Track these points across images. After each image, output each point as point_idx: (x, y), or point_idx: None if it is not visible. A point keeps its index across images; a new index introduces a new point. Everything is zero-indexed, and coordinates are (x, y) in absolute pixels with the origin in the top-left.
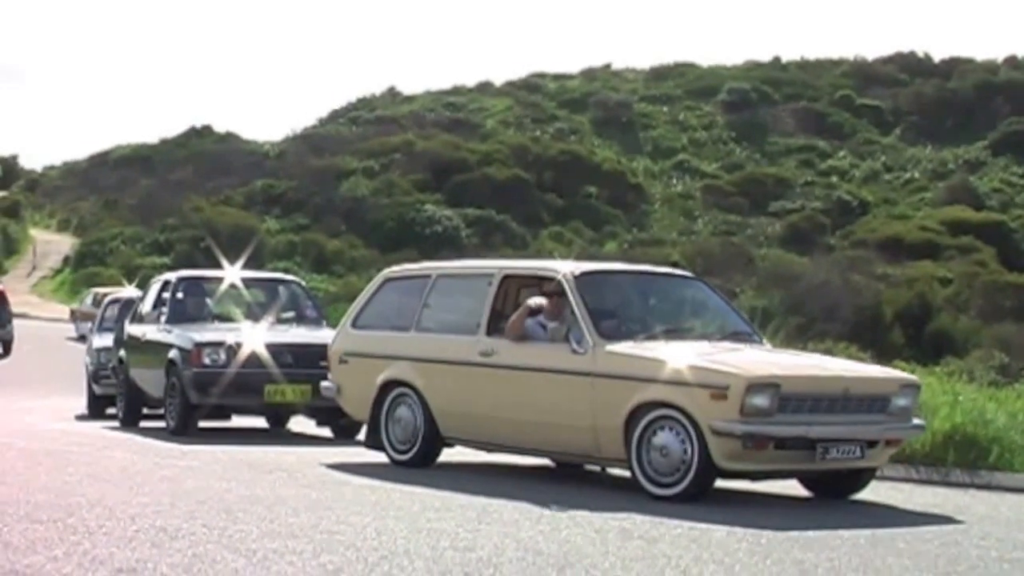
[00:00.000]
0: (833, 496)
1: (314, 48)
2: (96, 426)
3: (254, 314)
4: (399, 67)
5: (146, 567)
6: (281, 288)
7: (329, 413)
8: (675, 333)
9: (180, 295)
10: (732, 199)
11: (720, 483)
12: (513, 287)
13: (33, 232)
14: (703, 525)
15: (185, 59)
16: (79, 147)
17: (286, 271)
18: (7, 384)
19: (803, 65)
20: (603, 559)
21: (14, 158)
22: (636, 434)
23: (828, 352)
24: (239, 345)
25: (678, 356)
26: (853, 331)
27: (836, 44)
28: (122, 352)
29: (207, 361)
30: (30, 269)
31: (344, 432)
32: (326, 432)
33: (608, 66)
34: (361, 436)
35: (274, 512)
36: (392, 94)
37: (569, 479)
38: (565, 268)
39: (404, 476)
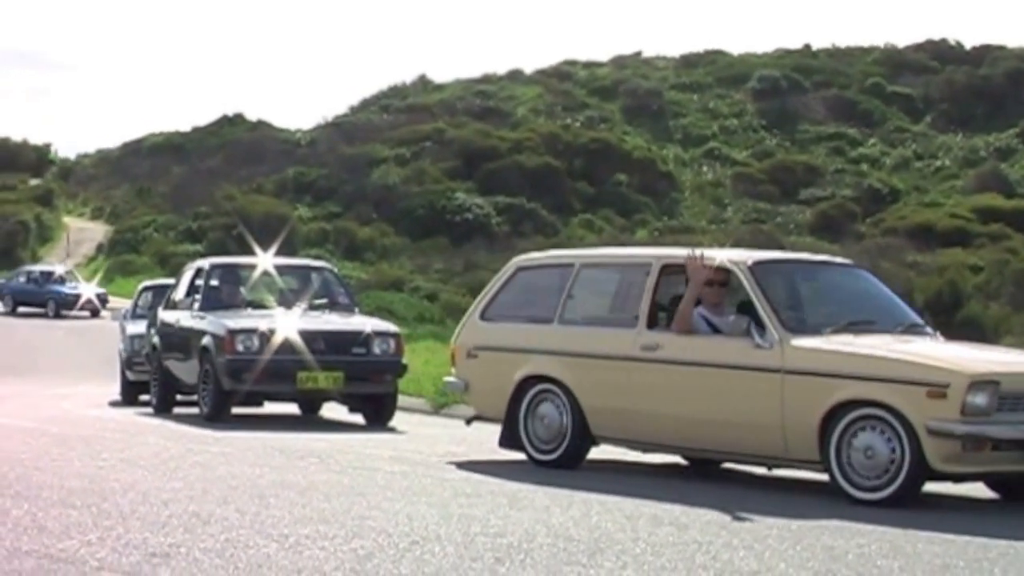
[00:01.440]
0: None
1: (345, 36)
2: (129, 412)
3: (287, 301)
4: (430, 55)
5: (179, 552)
6: (313, 275)
7: (361, 400)
8: (859, 326)
9: (214, 282)
10: (762, 187)
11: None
12: (667, 276)
13: (67, 220)
14: (734, 511)
15: (217, 48)
16: (112, 135)
17: (318, 258)
18: (41, 371)
19: (833, 52)
20: (633, 545)
21: (47, 146)
22: (835, 435)
23: None
24: (272, 332)
25: (881, 351)
26: None
27: (867, 31)
28: (155, 339)
29: (240, 348)
30: (64, 257)
31: (377, 418)
32: (358, 419)
33: (639, 54)
34: (393, 423)
35: (306, 498)
36: (423, 82)
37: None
38: (736, 257)
39: (435, 463)
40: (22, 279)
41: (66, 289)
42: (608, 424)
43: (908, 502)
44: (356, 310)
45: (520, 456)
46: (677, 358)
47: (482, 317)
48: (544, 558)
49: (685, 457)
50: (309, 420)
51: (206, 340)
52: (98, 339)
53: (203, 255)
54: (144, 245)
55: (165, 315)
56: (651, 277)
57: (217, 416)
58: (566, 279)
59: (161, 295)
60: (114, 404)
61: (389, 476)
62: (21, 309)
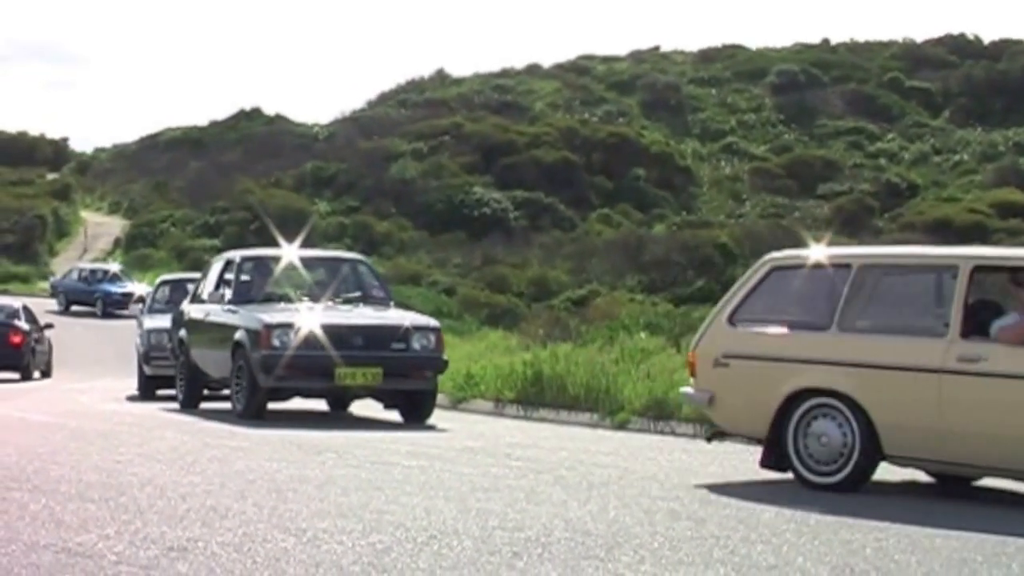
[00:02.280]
0: None
1: (363, 30)
2: (149, 407)
3: (319, 294)
4: (448, 49)
5: (196, 546)
6: (346, 267)
7: (399, 396)
8: None
9: (245, 275)
10: (780, 181)
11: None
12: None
13: (84, 214)
14: (751, 506)
15: (235, 42)
16: (129, 129)
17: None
18: (59, 365)
19: (852, 47)
20: (651, 539)
21: (65, 141)
22: None
23: None
24: (308, 326)
25: None
26: None
27: (885, 26)
28: (182, 333)
29: (276, 343)
30: (81, 251)
31: (414, 416)
32: (394, 416)
33: (657, 48)
34: (433, 420)
35: (324, 492)
36: (441, 76)
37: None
38: None
39: (453, 457)
40: (74, 276)
41: (115, 288)
42: (909, 443)
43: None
44: (391, 303)
45: (536, 451)
46: (1007, 371)
47: (730, 321)
48: (562, 552)
49: (931, 474)
50: (339, 417)
51: (239, 335)
52: (116, 335)
53: (220, 250)
54: (161, 240)
55: (192, 309)
56: (961, 280)
57: (252, 412)
58: (842, 281)
59: (180, 289)
60: (132, 399)
61: (407, 471)
62: (74, 308)
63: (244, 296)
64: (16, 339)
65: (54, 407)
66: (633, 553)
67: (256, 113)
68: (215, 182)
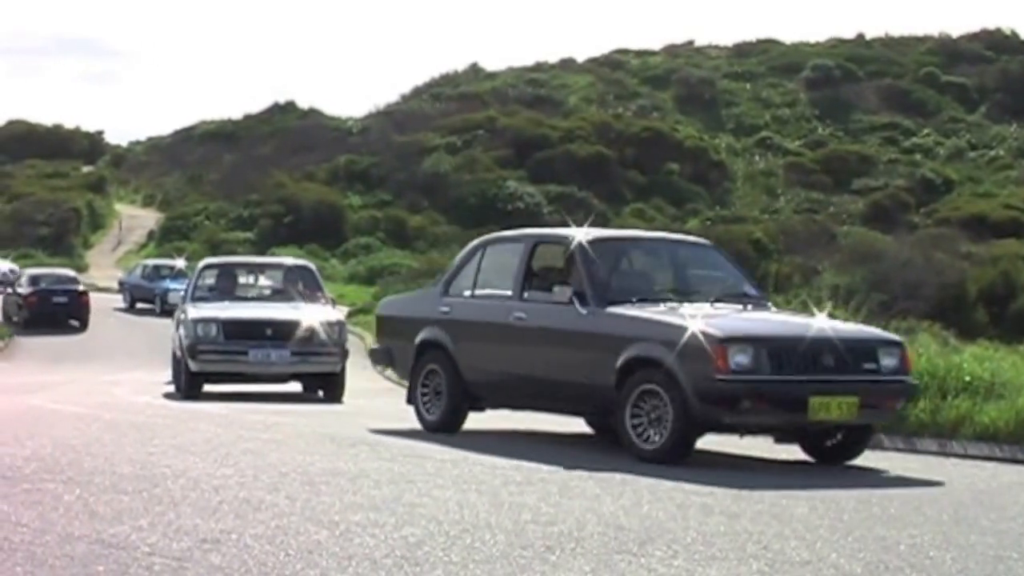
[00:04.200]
0: None
1: (397, 24)
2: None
3: (691, 292)
4: (482, 43)
5: (230, 538)
6: (706, 255)
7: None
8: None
9: (620, 265)
10: (815, 176)
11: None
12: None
13: (118, 207)
14: (785, 501)
15: (269, 36)
16: (164, 123)
17: (368, 247)
18: (93, 357)
19: (887, 42)
20: (684, 534)
21: (100, 134)
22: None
23: (911, 331)
24: (774, 340)
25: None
26: (936, 310)
27: (921, 21)
28: (438, 335)
29: (735, 363)
30: (115, 244)
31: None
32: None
33: (691, 43)
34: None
35: (356, 485)
36: (475, 70)
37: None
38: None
39: (487, 449)
40: (138, 273)
41: (177, 285)
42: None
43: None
44: (769, 305)
45: (570, 444)
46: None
47: None
48: (595, 547)
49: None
50: (352, 408)
51: (645, 351)
52: (148, 328)
53: (254, 243)
54: (195, 232)
55: (481, 306)
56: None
57: (680, 454)
58: None
59: (228, 275)
60: (170, 396)
61: (439, 464)
62: (139, 305)
63: (613, 293)
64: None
65: (88, 399)
66: (666, 548)
67: (290, 107)
68: (249, 175)
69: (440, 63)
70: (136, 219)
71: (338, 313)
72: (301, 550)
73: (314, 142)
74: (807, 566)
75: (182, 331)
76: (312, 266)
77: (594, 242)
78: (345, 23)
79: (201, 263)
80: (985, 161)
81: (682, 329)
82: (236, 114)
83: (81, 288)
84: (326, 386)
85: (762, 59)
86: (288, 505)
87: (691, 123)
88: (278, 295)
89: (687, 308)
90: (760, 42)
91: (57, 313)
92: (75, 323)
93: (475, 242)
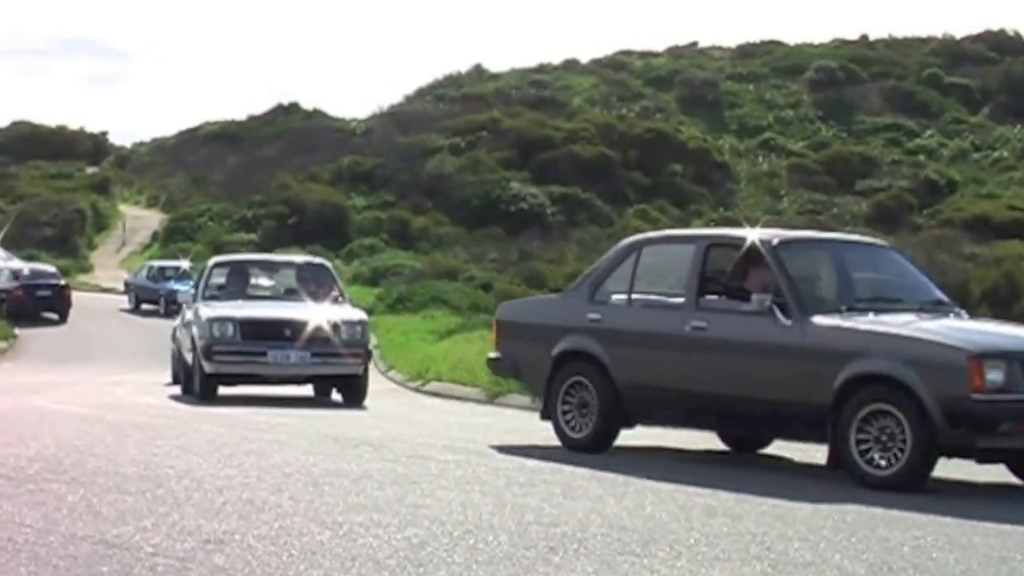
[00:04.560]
0: None
1: (401, 25)
2: (179, 398)
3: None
4: (485, 45)
5: (233, 538)
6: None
7: None
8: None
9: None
10: (818, 178)
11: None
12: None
13: (123, 208)
14: (787, 502)
15: (273, 37)
16: (168, 124)
17: (371, 248)
18: (96, 358)
19: (891, 43)
20: (687, 535)
21: (104, 135)
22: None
23: None
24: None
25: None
26: None
27: (924, 22)
28: (587, 345)
29: (990, 383)
30: (120, 244)
31: None
32: (427, 411)
33: (694, 44)
34: (469, 415)
35: (360, 486)
36: (478, 71)
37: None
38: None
39: (490, 452)
40: (144, 274)
41: (181, 286)
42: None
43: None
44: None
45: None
46: None
47: None
48: (598, 548)
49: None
50: (361, 409)
51: (894, 369)
52: (150, 328)
53: (257, 244)
54: (199, 233)
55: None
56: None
57: (917, 480)
58: None
59: (240, 272)
60: (176, 398)
61: (442, 465)
62: (144, 307)
63: (818, 302)
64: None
65: (91, 400)
66: (669, 549)
67: (294, 108)
68: (253, 176)
69: (444, 64)
70: (140, 220)
71: (359, 312)
72: (304, 551)
73: (318, 143)
74: (810, 567)
75: (195, 331)
76: (327, 263)
77: (786, 244)
78: (349, 24)
79: (211, 261)
80: (989, 162)
81: (926, 343)
82: (240, 115)
83: (63, 282)
84: (347, 389)
85: (765, 60)
86: (291, 506)
87: (694, 124)
88: (293, 294)
89: (904, 318)
90: (763, 43)
91: (40, 306)
92: (54, 316)
93: (627, 242)
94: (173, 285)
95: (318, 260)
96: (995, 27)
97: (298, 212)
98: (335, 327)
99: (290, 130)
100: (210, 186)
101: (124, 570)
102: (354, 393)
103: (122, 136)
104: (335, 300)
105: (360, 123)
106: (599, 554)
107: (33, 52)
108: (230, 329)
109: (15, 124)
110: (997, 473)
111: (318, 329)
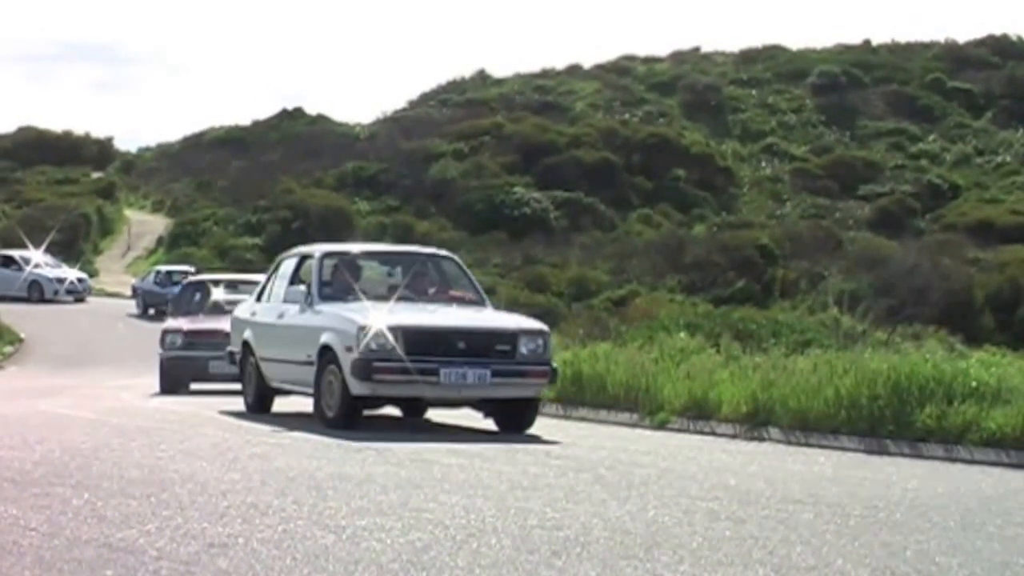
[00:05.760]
0: None
1: (404, 31)
2: (184, 402)
3: None
4: (489, 50)
5: (237, 542)
6: None
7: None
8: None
9: None
10: (821, 182)
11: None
12: None
13: (128, 213)
14: (790, 506)
15: (277, 42)
16: (173, 129)
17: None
18: (102, 362)
19: (894, 48)
20: (690, 539)
21: (110, 140)
22: None
23: (916, 337)
24: None
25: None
26: (943, 315)
27: (927, 27)
28: None
29: None
30: (125, 249)
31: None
32: (435, 413)
33: (697, 49)
34: (473, 420)
35: (363, 490)
36: (482, 77)
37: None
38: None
39: (493, 456)
40: (151, 278)
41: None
42: None
43: None
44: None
45: (575, 450)
46: None
47: None
48: (601, 552)
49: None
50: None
51: None
52: (157, 334)
53: (262, 249)
54: (204, 238)
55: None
56: None
57: None
58: None
59: (353, 268)
60: (235, 414)
61: (446, 469)
62: (151, 311)
63: None
64: None
65: (96, 404)
66: (672, 553)
67: (298, 113)
68: (257, 181)
69: (447, 70)
70: (145, 225)
71: (538, 322)
72: (308, 555)
73: (322, 148)
74: (813, 572)
75: (331, 340)
76: (456, 257)
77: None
78: (353, 30)
79: (320, 251)
80: (992, 167)
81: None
82: (245, 120)
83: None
84: (517, 414)
85: (768, 65)
86: (295, 510)
87: (697, 129)
88: (423, 294)
89: None
90: (766, 48)
91: None
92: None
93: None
94: (176, 290)
95: (444, 252)
96: (998, 32)
97: (302, 217)
98: (515, 338)
99: (295, 135)
100: (215, 191)
101: (128, 574)
102: (523, 419)
103: (127, 141)
104: (473, 302)
105: (364, 128)
106: (602, 558)
107: (39, 58)
108: (392, 340)
109: (21, 129)
110: (1000, 476)
111: (500, 340)
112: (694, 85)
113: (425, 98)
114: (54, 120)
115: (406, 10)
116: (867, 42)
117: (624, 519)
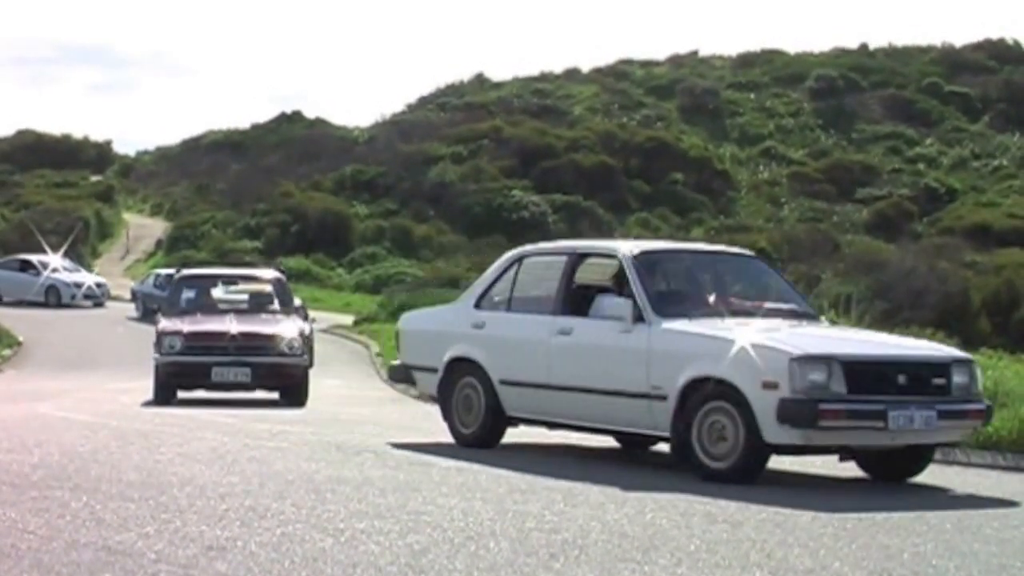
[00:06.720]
0: None
1: (403, 34)
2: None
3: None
4: (487, 53)
5: (235, 545)
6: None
7: None
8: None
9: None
10: (819, 186)
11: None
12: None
13: (127, 216)
14: (788, 510)
15: (276, 46)
16: (172, 132)
17: (373, 256)
18: (100, 365)
19: (891, 52)
20: (688, 542)
21: (108, 143)
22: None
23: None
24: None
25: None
26: (940, 318)
27: (924, 31)
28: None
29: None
30: (124, 252)
31: None
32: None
33: (695, 53)
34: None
35: (362, 493)
36: (480, 80)
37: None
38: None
39: (490, 459)
40: (150, 282)
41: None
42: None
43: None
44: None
45: (575, 454)
46: None
47: None
48: (599, 555)
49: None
50: (356, 417)
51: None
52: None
53: (261, 252)
54: (203, 241)
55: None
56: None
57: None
58: None
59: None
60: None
61: (444, 472)
62: (156, 308)
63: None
64: None
65: (95, 407)
66: (670, 556)
67: (297, 116)
68: (256, 184)
69: (446, 73)
70: (144, 228)
71: (959, 350)
72: (306, 558)
73: (320, 151)
74: (810, 574)
75: (731, 371)
76: (762, 260)
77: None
78: (351, 33)
79: (629, 250)
80: (988, 171)
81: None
82: (243, 124)
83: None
84: (909, 458)
85: (766, 69)
86: (294, 513)
87: (695, 133)
88: (750, 308)
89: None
90: (764, 52)
91: None
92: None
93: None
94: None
95: (748, 252)
96: (995, 36)
97: (301, 220)
98: (948, 369)
99: (293, 139)
100: (214, 194)
101: None
102: (915, 465)
103: (126, 145)
104: (803, 315)
105: (363, 132)
106: (600, 561)
107: (38, 61)
108: (833, 375)
109: (20, 133)
110: (997, 479)
111: (934, 373)
112: (692, 89)
113: (423, 101)
114: (52, 123)
115: (405, 14)
116: (864, 46)
117: (622, 522)
